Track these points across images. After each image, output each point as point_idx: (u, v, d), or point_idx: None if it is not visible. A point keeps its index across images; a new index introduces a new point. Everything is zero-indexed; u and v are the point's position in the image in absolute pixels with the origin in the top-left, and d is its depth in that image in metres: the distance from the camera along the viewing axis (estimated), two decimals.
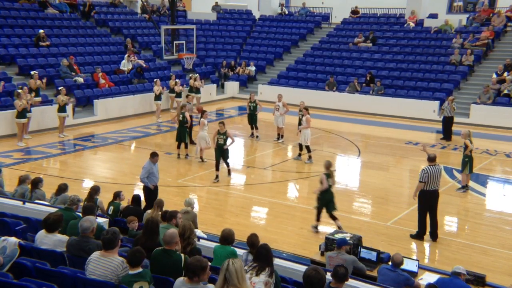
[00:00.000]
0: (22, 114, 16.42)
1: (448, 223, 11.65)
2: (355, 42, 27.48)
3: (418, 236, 10.37)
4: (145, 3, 29.16)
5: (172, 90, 22.12)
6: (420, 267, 7.89)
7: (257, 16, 32.44)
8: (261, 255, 5.91)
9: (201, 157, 15.25)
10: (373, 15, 30.35)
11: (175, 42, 22.89)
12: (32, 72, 18.57)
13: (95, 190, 9.35)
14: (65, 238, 6.55)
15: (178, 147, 15.62)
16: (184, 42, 23.37)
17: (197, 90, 22.85)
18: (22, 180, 10.09)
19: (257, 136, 18.36)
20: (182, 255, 6.13)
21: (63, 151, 16.53)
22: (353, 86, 24.12)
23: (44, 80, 18.58)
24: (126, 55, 23.72)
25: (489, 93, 21.46)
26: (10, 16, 23.03)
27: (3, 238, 6.20)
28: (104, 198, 9.71)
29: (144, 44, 27.17)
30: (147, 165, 10.58)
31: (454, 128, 18.74)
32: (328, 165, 10.56)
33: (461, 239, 10.76)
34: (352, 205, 12.47)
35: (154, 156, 10.71)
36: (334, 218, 10.48)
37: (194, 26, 25.02)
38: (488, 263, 9.50)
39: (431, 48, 25.74)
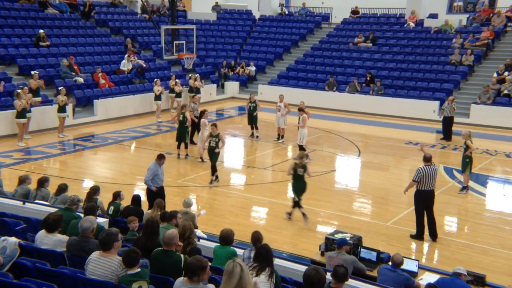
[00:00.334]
0: (22, 114, 16.42)
1: (448, 223, 11.65)
2: (355, 42, 27.48)
3: (418, 236, 10.38)
4: (145, 3, 29.16)
5: (172, 90, 22.12)
6: (420, 267, 7.90)
7: (257, 16, 32.45)
8: (261, 255, 5.91)
9: (201, 157, 15.24)
10: (373, 15, 30.35)
11: (175, 42, 22.90)
12: (32, 72, 18.57)
13: (94, 190, 9.35)
14: (65, 238, 6.55)
15: (178, 147, 15.62)
16: (184, 42, 23.38)
17: (197, 90, 22.84)
18: (22, 180, 10.09)
19: (257, 136, 18.36)
20: (182, 255, 6.12)
21: (63, 151, 16.53)
22: (353, 86, 24.12)
23: (42, 81, 18.52)
24: (126, 55, 23.72)
25: (489, 93, 21.46)
26: (10, 16, 23.03)
27: (3, 238, 6.20)
28: (104, 198, 9.71)
29: (144, 44, 27.17)
30: (153, 167, 10.47)
31: (454, 128, 18.75)
32: (301, 156, 11.17)
33: (461, 239, 10.76)
34: (352, 205, 12.48)
35: (161, 158, 10.60)
36: (299, 205, 11.12)
37: (194, 26, 25.03)
38: (488, 263, 9.50)
39: (431, 48, 25.74)
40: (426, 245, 10.31)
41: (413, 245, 10.29)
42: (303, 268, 6.76)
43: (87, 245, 6.17)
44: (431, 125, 20.90)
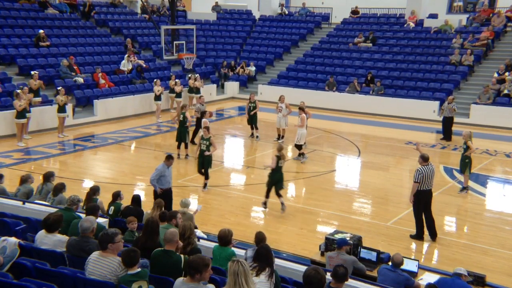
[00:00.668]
0: (22, 114, 16.42)
1: (448, 223, 11.65)
2: (355, 42, 27.49)
3: (418, 236, 10.38)
4: (145, 3, 29.15)
5: (172, 90, 22.13)
6: (420, 267, 7.89)
7: (257, 16, 32.44)
8: (261, 255, 5.91)
9: None
10: (373, 15, 30.35)
11: (175, 42, 22.89)
12: (32, 72, 18.57)
13: (94, 191, 9.36)
14: (65, 238, 6.55)
15: (178, 147, 15.62)
16: (184, 42, 23.38)
17: (197, 90, 22.85)
18: (24, 180, 10.15)
19: (257, 136, 18.36)
20: (182, 255, 6.13)
21: (63, 151, 16.53)
22: (353, 86, 24.12)
23: (41, 82, 18.50)
24: (126, 55, 23.72)
25: (489, 93, 21.47)
26: (10, 16, 23.04)
27: (3, 238, 6.20)
28: (104, 198, 9.71)
29: (144, 44, 27.17)
30: (160, 167, 10.45)
31: (454, 128, 18.74)
32: (280, 148, 11.79)
33: (461, 239, 10.77)
34: (352, 205, 12.48)
35: (169, 159, 10.57)
36: (279, 195, 11.55)
37: (194, 26, 25.02)
38: (488, 263, 9.50)
39: (431, 48, 25.74)
40: (426, 245, 10.31)
41: (413, 245, 10.29)
42: (303, 268, 6.75)
43: (87, 245, 6.17)
44: (431, 125, 20.90)
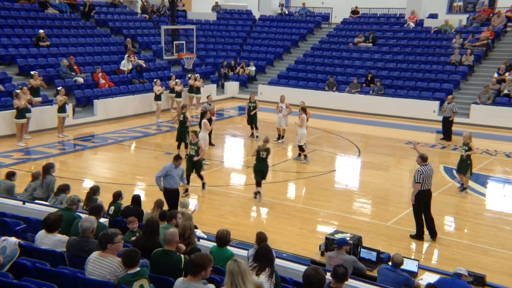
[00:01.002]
0: (21, 114, 16.42)
1: (448, 223, 11.65)
2: (355, 42, 27.49)
3: (418, 236, 10.38)
4: (145, 3, 29.15)
5: (172, 90, 22.12)
6: (420, 267, 7.89)
7: (257, 16, 32.45)
8: (261, 255, 5.91)
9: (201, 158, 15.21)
10: (373, 15, 30.35)
11: (175, 42, 22.90)
12: (32, 72, 18.57)
13: (94, 191, 9.37)
14: (65, 238, 6.55)
15: (178, 147, 15.62)
16: (184, 42, 23.38)
17: (198, 90, 22.85)
18: (35, 177, 10.46)
19: (257, 136, 18.35)
20: (182, 255, 6.13)
21: (63, 151, 16.53)
22: (353, 86, 24.12)
23: (41, 78, 18.49)
24: (126, 55, 23.72)
25: (488, 93, 21.47)
26: (10, 16, 23.04)
27: (3, 238, 6.20)
28: (104, 198, 9.70)
29: (144, 44, 27.17)
30: (168, 166, 10.50)
31: (454, 128, 18.74)
32: (265, 141, 12.58)
33: (461, 239, 10.77)
34: (352, 205, 12.48)
35: (177, 159, 10.64)
36: (259, 184, 12.27)
37: (194, 26, 25.03)
38: (488, 263, 9.50)
39: (431, 48, 25.75)
40: (426, 245, 10.31)
41: (413, 245, 10.29)
42: (303, 268, 6.75)
43: (87, 245, 6.17)
44: (431, 125, 20.90)
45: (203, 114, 15.64)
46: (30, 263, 5.80)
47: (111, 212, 9.21)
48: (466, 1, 31.08)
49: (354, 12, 30.53)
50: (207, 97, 18.03)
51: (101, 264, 5.55)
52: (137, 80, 22.83)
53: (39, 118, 17.94)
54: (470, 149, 12.94)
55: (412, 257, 8.70)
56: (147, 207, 9.52)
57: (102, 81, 21.42)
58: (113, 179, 13.60)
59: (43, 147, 16.46)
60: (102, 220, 8.05)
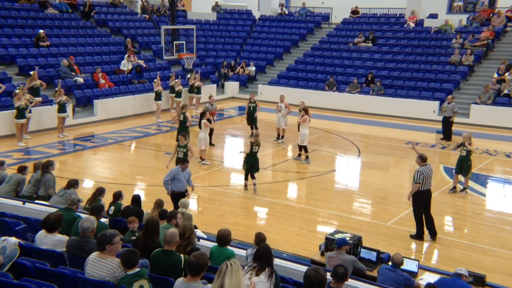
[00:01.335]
0: (21, 114, 16.42)
1: (448, 223, 11.65)
2: (355, 42, 27.49)
3: (418, 236, 10.39)
4: (145, 3, 29.15)
5: (172, 90, 22.12)
6: (420, 267, 7.89)
7: (257, 16, 32.44)
8: (261, 255, 5.89)
9: (201, 157, 15.23)
10: (373, 15, 30.35)
11: (175, 42, 22.92)
12: (31, 72, 18.56)
13: (99, 192, 9.41)
14: (65, 238, 6.55)
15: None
16: (184, 42, 23.39)
17: (198, 90, 22.84)
18: (36, 167, 10.51)
19: None
20: (182, 255, 6.12)
21: (63, 151, 16.53)
22: (353, 86, 24.12)
23: (36, 74, 18.49)
24: (126, 55, 23.72)
25: (488, 92, 21.47)
26: (10, 16, 23.03)
27: (3, 238, 6.20)
28: (105, 199, 9.72)
29: (144, 44, 27.17)
30: (175, 169, 10.52)
31: (454, 128, 18.74)
32: (256, 135, 13.21)
33: (461, 239, 10.76)
34: (352, 205, 12.48)
35: (184, 162, 10.66)
36: (253, 177, 12.76)
37: (194, 26, 25.04)
38: (488, 263, 9.50)
39: (431, 48, 25.74)
40: (426, 245, 10.31)
41: (413, 245, 10.29)
42: (303, 268, 6.76)
43: (87, 245, 6.16)
44: (431, 125, 20.90)
45: (203, 114, 15.64)
46: (30, 263, 5.79)
47: (111, 212, 9.21)
48: (466, 1, 31.08)
49: (354, 12, 30.53)
50: (209, 97, 18.03)
51: (100, 265, 5.53)
52: (137, 80, 22.83)
53: (39, 118, 17.94)
54: (469, 150, 12.94)
55: (412, 257, 8.70)
56: (147, 207, 9.52)
57: (102, 81, 21.42)
58: (113, 179, 13.59)
59: (43, 147, 16.46)
60: (102, 220, 8.05)
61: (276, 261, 7.04)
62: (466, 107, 21.59)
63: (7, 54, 20.84)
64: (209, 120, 15.13)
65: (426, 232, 10.39)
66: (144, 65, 23.89)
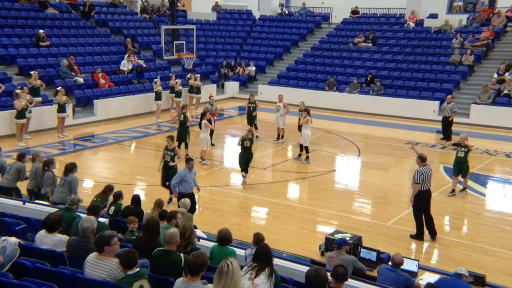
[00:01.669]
0: (22, 114, 16.43)
1: (448, 223, 11.65)
2: (355, 42, 27.49)
3: (418, 236, 10.39)
4: (145, 3, 29.15)
5: (172, 90, 22.12)
6: (420, 267, 7.89)
7: (257, 16, 32.44)
8: (261, 254, 5.88)
9: (201, 158, 15.23)
10: (373, 15, 30.35)
11: (175, 42, 22.91)
12: (32, 72, 18.57)
13: (109, 189, 9.49)
14: (65, 238, 6.55)
15: (178, 147, 15.58)
16: (184, 42, 23.39)
17: (198, 90, 22.84)
18: (34, 159, 10.54)
19: (257, 136, 18.33)
20: (182, 255, 6.12)
21: (63, 151, 16.53)
22: (353, 86, 24.12)
23: (35, 75, 18.50)
24: (126, 55, 23.72)
25: (488, 92, 21.47)
26: (10, 16, 23.04)
27: (3, 238, 6.20)
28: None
29: (144, 44, 27.17)
30: (182, 171, 10.37)
31: (454, 128, 18.73)
32: (249, 130, 13.61)
33: (461, 239, 10.77)
34: (352, 205, 12.48)
35: (189, 161, 10.49)
36: (246, 171, 13.32)
37: (194, 26, 25.03)
38: (488, 263, 9.50)
39: (431, 48, 25.75)
40: (426, 245, 10.32)
41: (413, 245, 10.29)
42: (303, 268, 6.77)
43: (87, 245, 6.16)
44: (431, 125, 20.90)
45: (203, 115, 15.64)
46: (30, 263, 5.79)
47: (111, 212, 9.22)
48: (466, 1, 31.09)
49: (354, 12, 30.54)
50: (209, 97, 18.03)
51: (99, 266, 5.52)
52: (137, 80, 22.83)
53: (39, 118, 17.94)
54: (468, 150, 12.93)
55: (412, 257, 8.71)
56: (147, 207, 9.53)
57: (102, 81, 21.42)
58: (113, 179, 13.59)
59: (43, 147, 16.45)
60: (102, 220, 8.06)
61: (276, 261, 7.04)
62: (466, 107, 21.59)
63: (7, 54, 20.84)
64: (209, 121, 15.14)
65: (426, 232, 10.39)
66: (144, 65, 23.90)
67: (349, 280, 6.32)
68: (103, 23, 26.87)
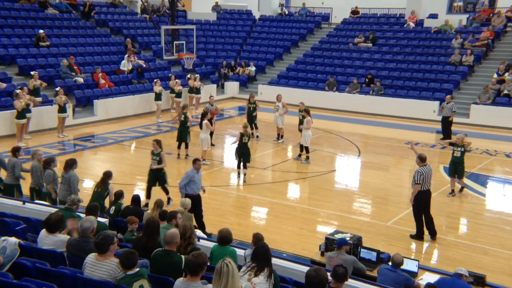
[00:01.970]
0: (22, 114, 16.43)
1: (448, 223, 11.64)
2: (355, 42, 27.49)
3: (418, 236, 10.39)
4: (145, 3, 29.15)
5: (172, 90, 22.12)
6: (420, 267, 7.89)
7: (257, 16, 32.44)
8: (259, 254, 5.83)
9: (202, 158, 15.23)
10: (373, 15, 30.35)
11: (175, 42, 22.90)
12: (32, 73, 18.57)
13: (108, 176, 9.53)
14: (66, 238, 6.55)
15: (179, 147, 15.63)
16: (184, 42, 23.38)
17: (197, 91, 22.84)
18: (32, 156, 10.65)
19: (257, 136, 18.36)
20: (183, 256, 6.12)
21: (63, 151, 16.53)
22: (353, 86, 24.11)
23: (35, 77, 18.51)
24: (126, 55, 23.72)
25: (488, 92, 21.47)
26: (10, 16, 23.03)
27: (3, 238, 6.20)
28: (107, 199, 9.76)
29: (144, 44, 27.17)
30: (190, 172, 10.22)
31: (454, 128, 18.72)
32: (245, 126, 13.85)
33: (461, 239, 10.77)
34: (352, 205, 12.48)
35: (196, 161, 10.39)
36: (245, 167, 13.69)
37: (194, 26, 25.03)
38: (488, 263, 9.50)
39: (431, 48, 25.74)
40: (426, 245, 10.32)
41: (413, 245, 10.29)
42: (303, 268, 6.77)
43: (87, 245, 6.16)
44: (431, 125, 20.90)
45: (204, 115, 15.65)
46: (30, 263, 5.79)
47: (111, 212, 9.22)
48: (466, 1, 31.09)
49: (354, 12, 30.54)
50: (210, 97, 18.04)
51: (99, 267, 5.52)
52: (137, 81, 22.83)
53: (39, 118, 17.95)
54: (465, 150, 12.92)
55: (412, 257, 8.71)
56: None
57: (102, 81, 21.42)
58: (113, 179, 13.50)
59: (43, 147, 16.44)
60: (102, 220, 8.06)
61: (276, 261, 7.05)
62: (466, 107, 21.59)
63: (7, 54, 20.84)
64: (210, 121, 15.15)
65: (426, 232, 10.39)
66: (144, 65, 23.90)
67: (349, 280, 6.32)
68: (103, 23, 26.87)
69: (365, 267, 7.75)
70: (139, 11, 30.47)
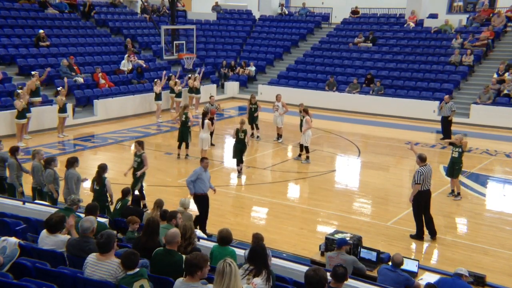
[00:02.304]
0: (22, 114, 16.43)
1: (448, 223, 11.64)
2: (355, 42, 27.49)
3: (418, 236, 10.39)
4: (145, 3, 29.15)
5: (172, 90, 22.12)
6: (420, 267, 7.89)
7: (257, 16, 32.44)
8: (257, 253, 5.75)
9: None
10: (373, 15, 30.35)
11: (175, 42, 22.91)
12: (32, 73, 18.57)
13: (103, 169, 9.53)
14: (66, 238, 6.54)
15: (179, 147, 15.63)
16: (184, 42, 23.39)
17: (197, 90, 22.84)
18: (32, 156, 10.70)
19: (257, 136, 18.36)
20: (184, 256, 6.11)
21: (63, 151, 16.52)
22: (353, 86, 24.11)
23: (36, 75, 18.51)
24: (126, 55, 23.72)
25: (489, 93, 21.47)
26: (10, 16, 23.04)
27: (3, 238, 6.20)
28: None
29: (144, 44, 27.17)
30: (198, 170, 10.14)
31: (454, 128, 18.73)
32: (242, 122, 14.14)
33: (461, 239, 10.76)
34: (352, 205, 12.48)
35: (203, 160, 10.35)
36: (241, 161, 14.03)
37: (194, 26, 25.03)
38: (488, 263, 9.50)
39: (431, 48, 25.74)
40: (426, 245, 10.32)
41: (413, 245, 10.29)
42: (303, 268, 6.76)
43: (87, 245, 6.15)
44: (431, 125, 20.90)
45: (205, 114, 15.65)
46: (30, 263, 5.79)
47: (118, 207, 9.25)
48: (466, 1, 31.09)
49: (354, 12, 30.54)
50: (210, 97, 18.04)
51: (100, 267, 5.52)
52: (137, 81, 22.83)
53: (39, 118, 17.95)
54: (463, 151, 12.90)
55: (412, 257, 8.71)
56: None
57: (102, 81, 21.42)
58: (113, 179, 13.48)
59: (43, 147, 16.43)
60: (102, 220, 8.06)
61: (276, 261, 7.05)
62: (466, 107, 21.60)
63: (7, 54, 20.85)
64: (211, 120, 15.17)
65: (426, 232, 10.39)
66: (144, 65, 23.90)
67: (349, 280, 6.32)
68: (103, 23, 26.87)
69: (365, 267, 7.75)
70: (139, 11, 30.48)
